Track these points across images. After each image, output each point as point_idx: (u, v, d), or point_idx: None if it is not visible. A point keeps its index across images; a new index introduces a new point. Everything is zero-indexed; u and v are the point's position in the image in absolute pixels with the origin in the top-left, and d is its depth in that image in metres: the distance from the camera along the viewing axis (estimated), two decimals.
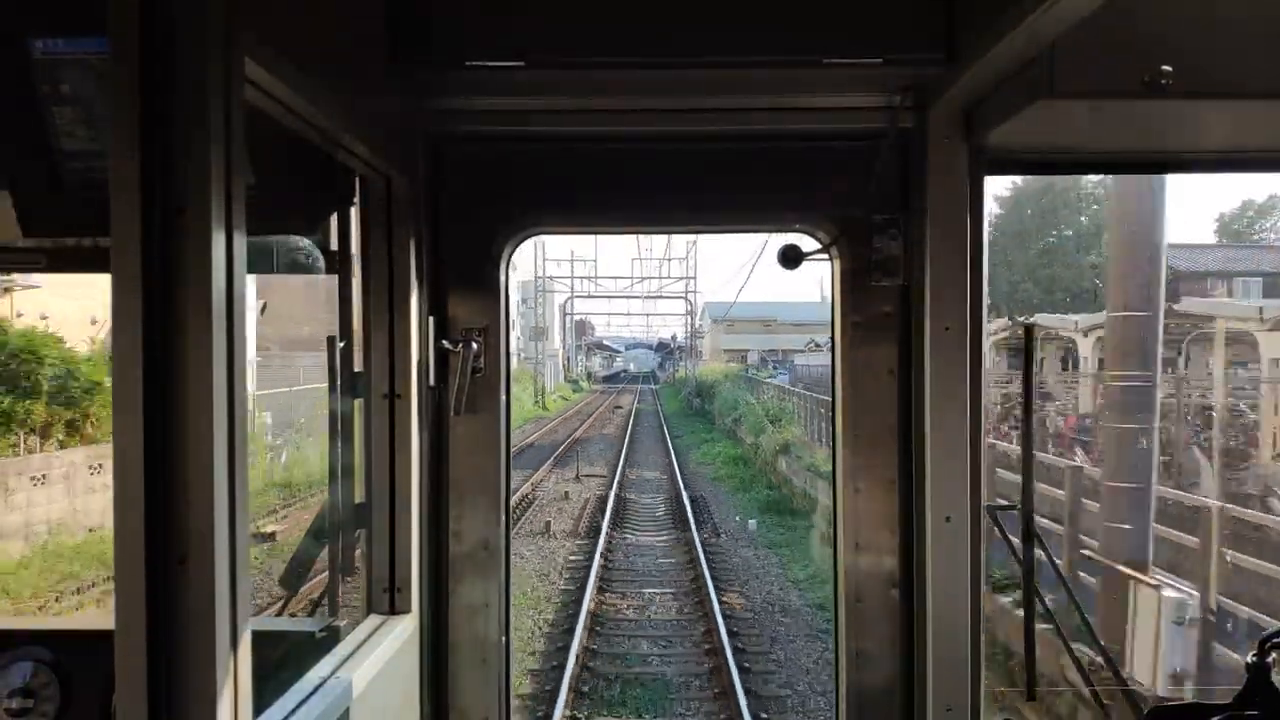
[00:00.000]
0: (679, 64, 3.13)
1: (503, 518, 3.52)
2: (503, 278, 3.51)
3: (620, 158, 3.48)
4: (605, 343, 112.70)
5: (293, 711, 2.37)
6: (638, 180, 3.51)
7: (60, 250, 2.98)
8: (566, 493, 27.27)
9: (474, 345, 3.42)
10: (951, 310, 3.19)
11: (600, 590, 16.91)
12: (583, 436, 43.51)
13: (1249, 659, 2.53)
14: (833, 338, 3.52)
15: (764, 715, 11.59)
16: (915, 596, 3.33)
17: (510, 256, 3.55)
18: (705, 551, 19.52)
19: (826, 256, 3.47)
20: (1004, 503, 3.33)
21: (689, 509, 24.20)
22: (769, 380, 38.67)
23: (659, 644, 14.39)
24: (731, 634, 14.29)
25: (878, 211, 3.34)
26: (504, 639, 3.53)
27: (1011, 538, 3.26)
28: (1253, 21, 2.63)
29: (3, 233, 2.83)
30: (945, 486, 3.20)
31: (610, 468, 32.87)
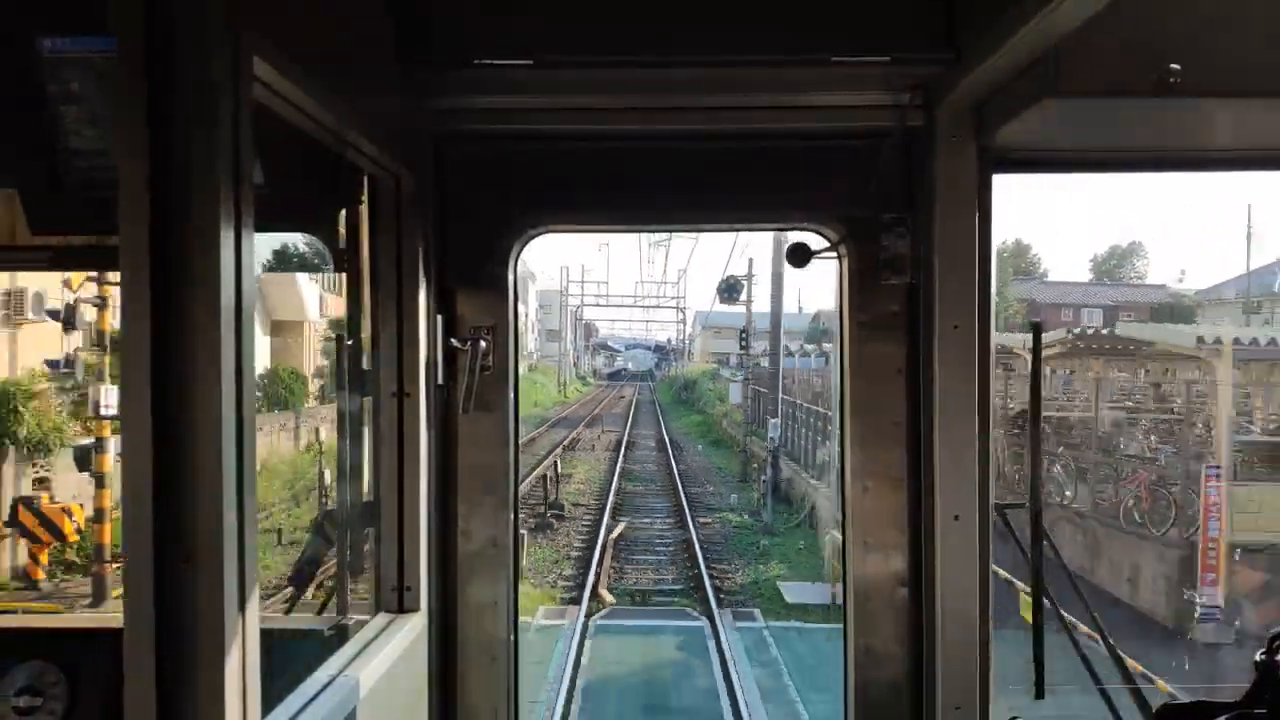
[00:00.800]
0: (686, 63, 3.12)
1: (511, 516, 3.52)
2: (510, 276, 3.51)
3: (627, 157, 3.48)
4: (609, 344, 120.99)
5: (301, 709, 2.38)
6: (645, 179, 3.51)
7: (66, 249, 2.99)
8: (600, 435, 49.48)
9: (482, 344, 3.42)
10: (960, 309, 3.18)
11: (621, 476, 35.84)
12: (600, 413, 62.54)
13: (1257, 657, 2.53)
14: (840, 337, 3.51)
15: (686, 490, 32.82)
16: (924, 595, 3.33)
17: (518, 255, 3.54)
18: (673, 454, 42.63)
19: (834, 255, 3.47)
20: (1013, 502, 3.32)
21: (668, 443, 46.95)
22: (730, 378, 48.16)
23: (650, 480, 36.33)
24: (680, 475, 36.33)
25: (885, 210, 3.34)
26: (512, 637, 3.53)
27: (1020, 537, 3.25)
28: (1260, 20, 2.62)
29: (9, 231, 2.84)
30: (954, 485, 3.19)
31: (621, 427, 53.48)
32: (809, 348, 48.31)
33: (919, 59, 3.08)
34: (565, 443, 42.68)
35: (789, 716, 14.47)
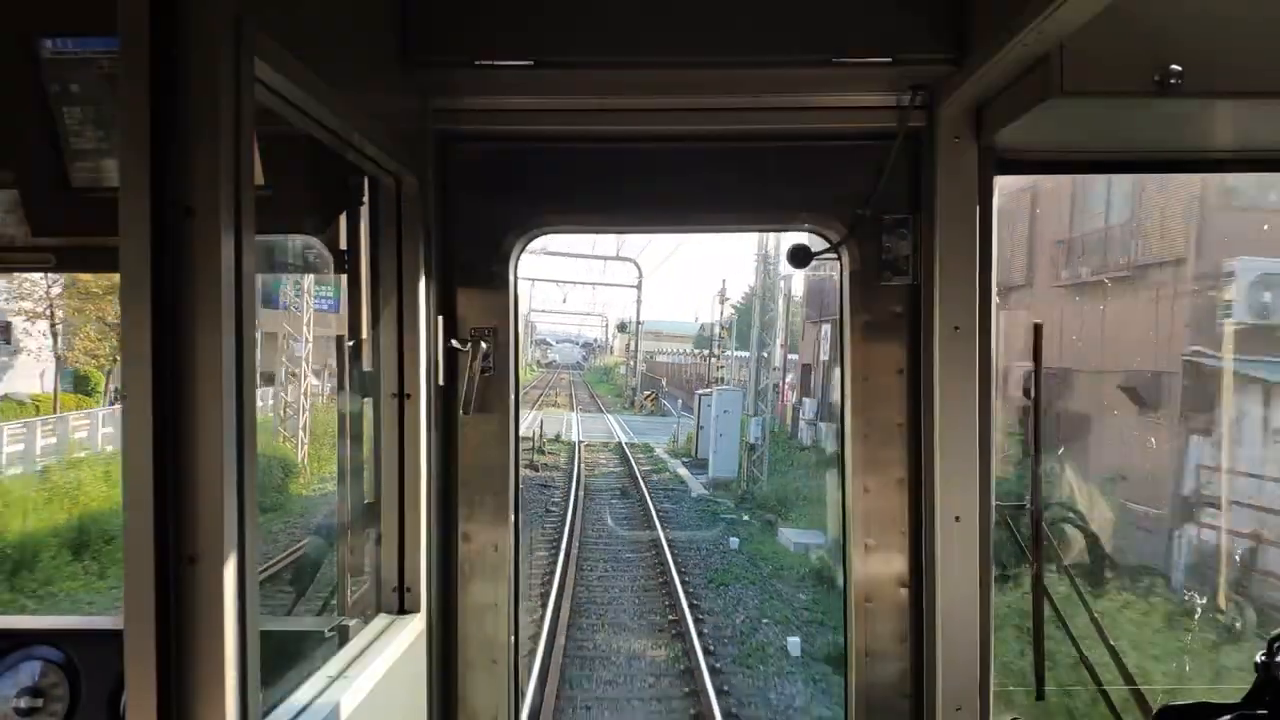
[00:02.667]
0: (689, 63, 3.12)
1: (512, 518, 3.52)
2: (512, 277, 3.51)
3: (629, 157, 3.48)
4: (546, 339, 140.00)
5: (301, 710, 2.38)
6: (647, 179, 3.50)
7: (68, 249, 2.99)
8: (555, 399, 71.56)
9: (483, 345, 3.42)
10: (961, 310, 3.18)
11: (571, 408, 64.71)
12: (555, 384, 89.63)
13: (1258, 658, 2.52)
14: (841, 337, 3.51)
15: (605, 407, 66.52)
16: (925, 596, 3.32)
17: (519, 256, 3.54)
18: (597, 401, 74.23)
19: (835, 256, 3.46)
20: (1014, 502, 3.32)
21: (590, 395, 79.72)
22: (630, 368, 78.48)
23: (587, 406, 68.62)
24: (600, 403, 71.92)
25: (887, 211, 3.33)
26: (513, 639, 3.53)
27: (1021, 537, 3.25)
28: (1261, 21, 2.62)
29: (12, 232, 2.84)
30: (955, 486, 3.19)
31: (569, 392, 79.98)
32: (691, 349, 78.74)
33: (921, 60, 3.08)
34: (543, 397, 69.68)
35: None
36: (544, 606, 16.57)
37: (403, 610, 3.21)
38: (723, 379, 43.50)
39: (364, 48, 2.87)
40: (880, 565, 3.41)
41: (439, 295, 3.37)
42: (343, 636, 2.93)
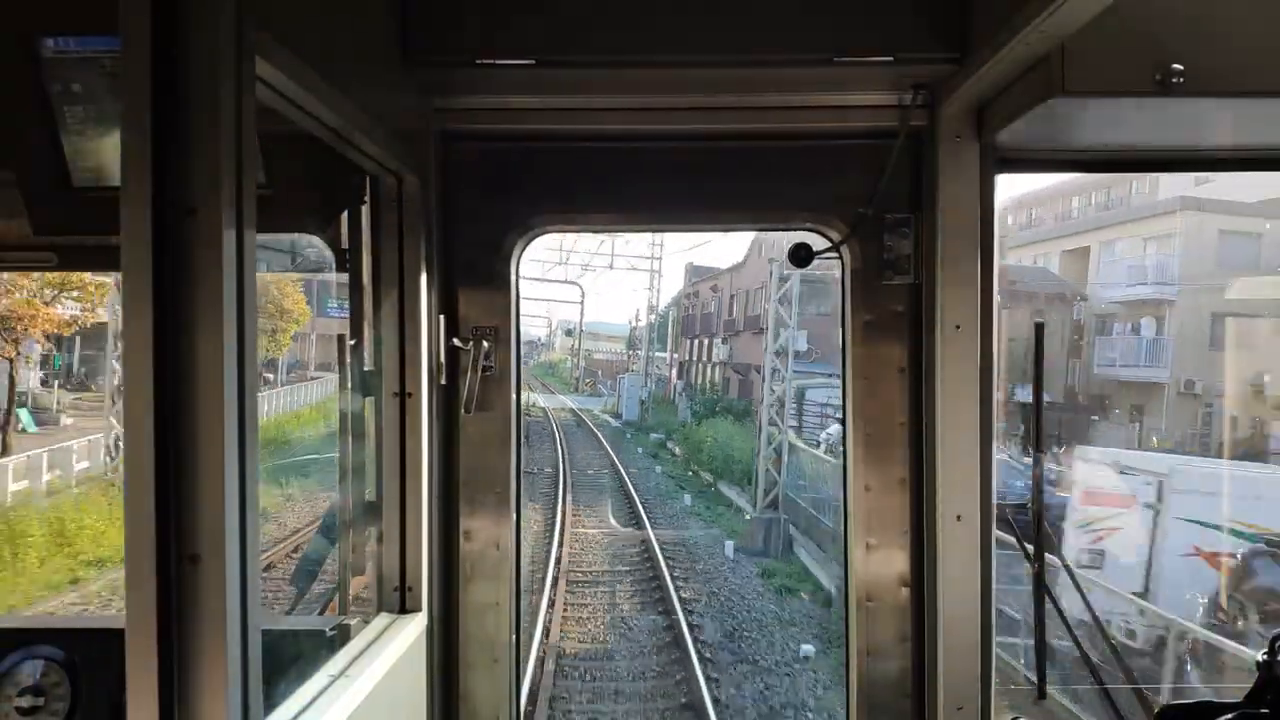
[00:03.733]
0: (690, 62, 3.12)
1: (514, 517, 3.52)
2: (513, 276, 3.50)
3: (630, 156, 3.48)
4: None
5: (303, 710, 2.38)
6: (648, 178, 3.50)
7: (70, 249, 2.99)
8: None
9: (484, 344, 3.42)
10: (962, 309, 3.18)
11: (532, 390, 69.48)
12: None
13: (1259, 658, 2.52)
14: (843, 336, 3.50)
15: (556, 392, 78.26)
16: (926, 596, 3.32)
17: (520, 255, 3.54)
18: (544, 384, 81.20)
19: (836, 255, 3.46)
20: (1015, 502, 3.31)
21: (543, 384, 79.71)
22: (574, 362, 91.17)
23: (544, 391, 75.40)
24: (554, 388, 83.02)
25: (889, 210, 3.33)
26: (514, 638, 3.53)
27: (1023, 537, 3.25)
28: (1262, 21, 2.62)
29: (13, 231, 2.84)
30: (956, 486, 3.19)
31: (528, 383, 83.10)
32: (622, 349, 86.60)
33: (923, 59, 3.07)
34: None
35: None
36: (554, 467, 34.47)
37: (404, 609, 3.21)
38: (632, 369, 66.02)
39: (365, 47, 2.87)
40: (881, 565, 3.41)
41: (440, 294, 3.37)
42: (344, 636, 2.93)
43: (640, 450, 41.82)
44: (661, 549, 22.21)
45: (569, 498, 28.70)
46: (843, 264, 3.48)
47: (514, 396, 3.52)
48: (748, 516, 26.38)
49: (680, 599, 18.64)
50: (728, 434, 35.62)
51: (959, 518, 3.18)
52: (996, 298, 3.23)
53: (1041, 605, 3.27)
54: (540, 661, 15.23)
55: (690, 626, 17.04)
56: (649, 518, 26.01)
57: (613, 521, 26.20)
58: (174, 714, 1.72)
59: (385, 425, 3.19)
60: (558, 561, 21.18)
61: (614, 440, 43.87)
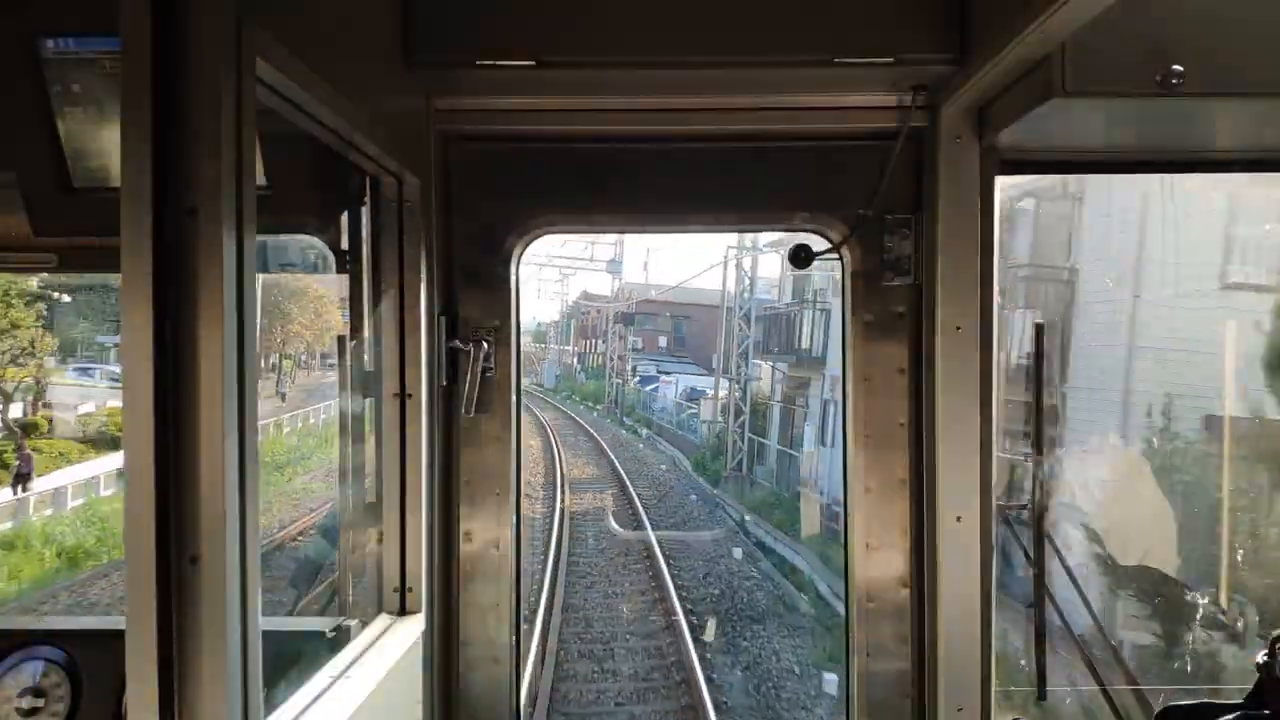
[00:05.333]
0: (690, 63, 3.12)
1: (514, 518, 3.52)
2: (513, 277, 3.51)
3: (631, 157, 3.48)
4: None
5: (303, 710, 2.38)
6: (648, 179, 3.50)
7: (71, 251, 2.99)
8: None
9: (485, 345, 3.42)
10: (963, 310, 3.18)
11: None
12: None
13: (1260, 658, 2.52)
14: (843, 337, 3.50)
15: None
16: (926, 597, 3.32)
17: (521, 256, 3.54)
18: None
19: (837, 256, 3.46)
20: (1016, 503, 3.31)
21: None
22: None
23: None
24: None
25: (889, 211, 3.33)
26: (514, 639, 3.53)
27: (1023, 539, 3.25)
28: (1263, 21, 2.61)
29: (13, 232, 2.84)
30: (956, 487, 3.19)
31: None
32: (531, 343, 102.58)
33: (923, 60, 3.07)
34: None
35: None
36: None
37: (404, 610, 3.21)
38: (546, 358, 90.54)
39: (366, 47, 2.87)
40: (881, 566, 3.41)
41: (441, 295, 3.37)
42: (344, 637, 2.93)
43: (555, 400, 68.95)
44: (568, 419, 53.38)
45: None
46: (843, 265, 3.48)
47: (514, 398, 3.52)
48: (598, 409, 59.74)
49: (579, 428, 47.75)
50: (598, 386, 66.41)
51: (959, 518, 3.18)
52: (997, 299, 3.23)
53: (1041, 606, 3.27)
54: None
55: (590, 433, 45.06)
56: (564, 415, 56.60)
57: (547, 417, 51.51)
58: (174, 714, 1.72)
59: (385, 426, 3.19)
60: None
61: (540, 399, 66.36)
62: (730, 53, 3.10)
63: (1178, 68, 2.53)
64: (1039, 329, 3.82)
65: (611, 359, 61.42)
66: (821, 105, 3.31)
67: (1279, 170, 3.44)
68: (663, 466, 34.88)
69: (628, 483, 28.90)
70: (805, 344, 28.56)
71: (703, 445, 37.07)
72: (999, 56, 2.63)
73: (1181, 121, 2.96)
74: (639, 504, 25.48)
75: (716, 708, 13.05)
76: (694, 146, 3.43)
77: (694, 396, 44.83)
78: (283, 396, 39.39)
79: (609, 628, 16.49)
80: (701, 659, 14.65)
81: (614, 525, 22.84)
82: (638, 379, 58.62)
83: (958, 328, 3.18)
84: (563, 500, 25.41)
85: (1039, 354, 3.58)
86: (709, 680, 13.90)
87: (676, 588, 17.88)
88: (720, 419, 35.93)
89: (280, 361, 41.41)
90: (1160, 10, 2.58)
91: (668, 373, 55.41)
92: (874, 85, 3.19)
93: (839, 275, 3.56)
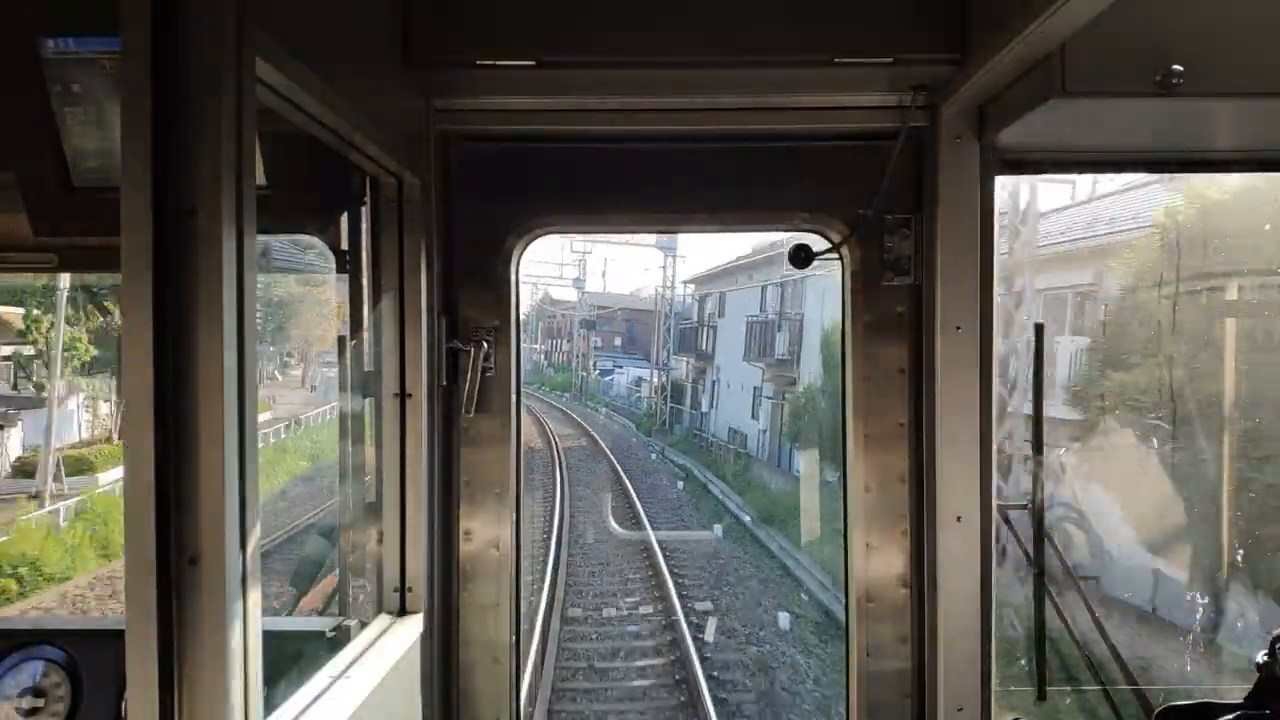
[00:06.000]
0: (690, 63, 3.12)
1: (514, 517, 3.51)
2: (513, 277, 3.50)
3: (631, 157, 3.47)
4: None
5: (303, 711, 2.38)
6: (648, 180, 3.50)
7: (71, 250, 2.99)
8: None
9: (485, 345, 3.42)
10: (962, 310, 3.18)
11: None
12: None
13: (1260, 658, 2.52)
14: (843, 337, 3.50)
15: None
16: (926, 596, 3.32)
17: (521, 256, 3.54)
18: None
19: (836, 256, 3.46)
20: (1015, 502, 3.31)
21: None
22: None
23: None
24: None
25: (889, 211, 3.33)
26: (515, 639, 3.53)
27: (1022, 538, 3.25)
28: (1263, 21, 2.61)
29: (14, 233, 2.84)
30: (956, 486, 3.19)
31: None
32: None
33: (923, 60, 3.07)
34: None
35: None
36: None
37: (404, 610, 3.20)
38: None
39: (365, 48, 2.87)
40: (881, 565, 3.41)
41: (440, 295, 3.37)
42: (344, 637, 2.93)
43: (528, 390, 67.24)
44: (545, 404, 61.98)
45: None
46: (843, 265, 3.48)
47: (514, 398, 3.51)
48: (565, 396, 68.97)
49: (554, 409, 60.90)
50: (565, 378, 78.12)
51: (959, 518, 3.18)
52: (997, 298, 3.22)
53: (1041, 605, 3.27)
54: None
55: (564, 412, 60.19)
56: (540, 401, 63.44)
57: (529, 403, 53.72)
58: (174, 714, 1.72)
59: (385, 426, 3.19)
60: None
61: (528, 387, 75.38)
62: (730, 53, 3.10)
63: (1177, 68, 2.53)
64: (1039, 329, 3.82)
65: (577, 356, 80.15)
66: (821, 105, 3.30)
67: (1277, 170, 3.44)
68: (616, 428, 54.28)
69: (595, 436, 46.88)
70: (704, 347, 49.92)
71: (643, 415, 57.48)
72: (999, 56, 2.63)
73: (1180, 121, 2.96)
74: (603, 444, 43.13)
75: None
76: (694, 146, 3.43)
77: (639, 383, 65.78)
78: (312, 388, 45.89)
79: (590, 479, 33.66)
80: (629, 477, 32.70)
81: (590, 453, 41.08)
82: (598, 371, 76.88)
83: (958, 328, 3.18)
84: (555, 443, 41.15)
85: (1038, 353, 3.58)
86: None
87: (624, 470, 34.44)
88: (655, 396, 57.59)
89: (310, 355, 46.82)
90: (1160, 10, 2.58)
91: (621, 366, 74.63)
92: (874, 85, 3.19)
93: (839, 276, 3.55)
